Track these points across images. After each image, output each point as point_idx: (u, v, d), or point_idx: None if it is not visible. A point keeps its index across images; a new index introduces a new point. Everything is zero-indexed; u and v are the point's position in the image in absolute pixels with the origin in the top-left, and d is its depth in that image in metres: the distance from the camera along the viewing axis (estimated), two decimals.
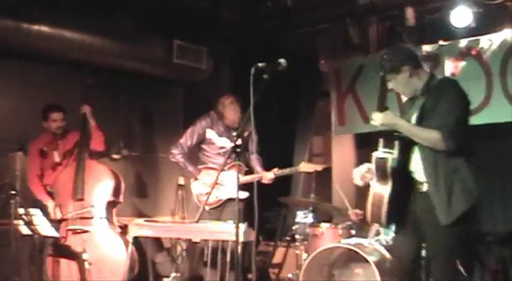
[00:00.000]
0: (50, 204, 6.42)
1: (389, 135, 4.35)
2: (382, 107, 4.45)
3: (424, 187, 4.30)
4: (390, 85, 4.45)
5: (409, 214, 4.41)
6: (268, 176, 6.51)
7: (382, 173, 4.33)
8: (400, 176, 4.34)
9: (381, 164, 4.32)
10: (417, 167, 4.33)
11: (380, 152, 4.34)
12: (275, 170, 6.54)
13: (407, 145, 4.33)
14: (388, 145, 4.33)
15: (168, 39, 8.08)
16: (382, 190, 4.35)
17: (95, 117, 6.69)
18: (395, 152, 4.31)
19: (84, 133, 6.61)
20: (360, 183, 4.55)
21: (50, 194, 6.55)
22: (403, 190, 4.38)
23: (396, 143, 4.31)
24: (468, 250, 4.60)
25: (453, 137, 4.15)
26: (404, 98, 4.62)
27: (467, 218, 4.20)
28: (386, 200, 4.32)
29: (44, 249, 6.11)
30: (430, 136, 4.19)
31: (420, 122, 4.30)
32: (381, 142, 4.37)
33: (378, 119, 4.37)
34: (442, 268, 4.31)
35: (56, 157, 6.67)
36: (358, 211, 6.59)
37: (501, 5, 6.65)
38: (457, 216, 4.16)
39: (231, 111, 6.58)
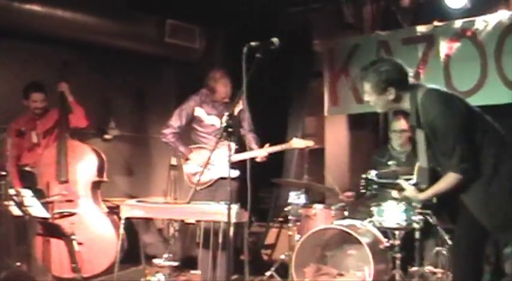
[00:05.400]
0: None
1: None
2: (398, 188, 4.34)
3: None
4: (366, 97, 4.27)
5: None
6: (261, 154, 6.42)
7: None
8: None
9: None
10: None
11: None
12: (267, 146, 6.45)
13: None
14: None
15: (160, 17, 7.99)
16: None
17: (72, 93, 6.65)
18: None
19: (63, 111, 6.56)
20: None
21: (31, 174, 6.48)
22: None
23: None
24: None
25: (465, 171, 3.98)
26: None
27: None
28: None
29: (32, 229, 6.06)
30: (449, 183, 4.05)
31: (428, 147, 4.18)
32: None
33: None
34: None
35: (34, 138, 6.61)
36: (348, 193, 6.57)
37: None
38: None
39: (221, 85, 6.50)
